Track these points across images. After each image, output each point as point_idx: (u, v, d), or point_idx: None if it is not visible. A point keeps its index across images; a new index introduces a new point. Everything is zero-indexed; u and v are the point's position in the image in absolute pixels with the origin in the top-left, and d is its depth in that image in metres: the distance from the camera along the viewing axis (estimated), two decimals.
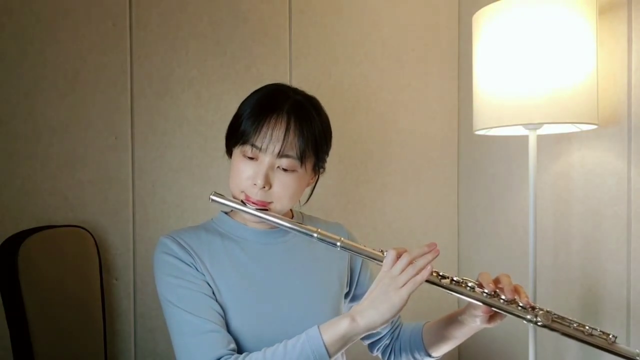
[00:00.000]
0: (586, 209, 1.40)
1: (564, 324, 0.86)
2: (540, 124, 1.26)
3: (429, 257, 0.85)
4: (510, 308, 0.86)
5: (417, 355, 1.06)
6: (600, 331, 0.86)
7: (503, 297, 0.86)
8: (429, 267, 0.83)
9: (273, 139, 0.91)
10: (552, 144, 1.50)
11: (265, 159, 0.93)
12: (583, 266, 1.42)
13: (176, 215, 1.54)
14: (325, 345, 0.82)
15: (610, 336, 0.86)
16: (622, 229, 1.30)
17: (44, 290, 1.25)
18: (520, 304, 0.86)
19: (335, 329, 0.83)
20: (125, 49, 1.48)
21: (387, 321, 0.82)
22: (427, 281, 0.84)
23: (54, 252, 1.30)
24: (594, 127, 1.29)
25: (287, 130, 0.92)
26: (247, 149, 0.93)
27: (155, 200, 1.52)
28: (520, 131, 1.38)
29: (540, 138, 1.49)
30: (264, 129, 0.92)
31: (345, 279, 1.09)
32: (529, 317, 0.85)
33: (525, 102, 1.19)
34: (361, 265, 1.13)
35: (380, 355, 1.13)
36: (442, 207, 1.92)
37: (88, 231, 1.41)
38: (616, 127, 1.31)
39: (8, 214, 1.36)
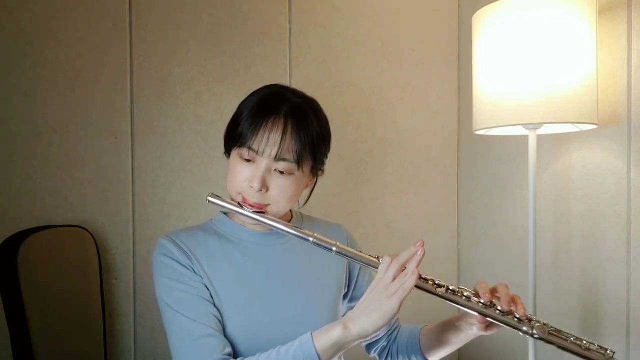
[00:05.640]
0: (586, 209, 1.40)
1: (561, 338, 0.84)
2: (540, 124, 1.26)
3: (417, 259, 0.83)
4: (506, 319, 0.84)
5: (414, 359, 1.06)
6: (599, 346, 0.84)
7: (499, 307, 0.84)
8: (416, 272, 0.82)
9: (270, 143, 0.91)
10: (552, 144, 1.50)
11: (262, 162, 0.92)
12: (583, 266, 1.42)
13: (176, 215, 1.54)
14: (317, 353, 0.81)
15: (609, 351, 0.84)
16: (622, 229, 1.30)
17: (44, 290, 1.25)
18: (517, 316, 0.84)
19: (327, 337, 0.82)
20: (125, 49, 1.49)
21: (379, 329, 0.82)
22: (422, 289, 0.83)
23: (54, 252, 1.31)
24: (594, 127, 1.29)
25: (284, 133, 0.91)
26: (244, 151, 0.93)
27: (155, 200, 1.52)
28: (520, 131, 1.38)
29: (540, 138, 1.49)
30: (261, 132, 0.91)
31: (344, 281, 1.09)
32: (525, 329, 0.83)
33: (525, 102, 1.19)
34: (360, 267, 1.13)
35: (377, 357, 1.13)
36: (442, 207, 1.92)
37: (88, 231, 1.41)
38: (616, 127, 1.31)
39: (8, 214, 1.37)
